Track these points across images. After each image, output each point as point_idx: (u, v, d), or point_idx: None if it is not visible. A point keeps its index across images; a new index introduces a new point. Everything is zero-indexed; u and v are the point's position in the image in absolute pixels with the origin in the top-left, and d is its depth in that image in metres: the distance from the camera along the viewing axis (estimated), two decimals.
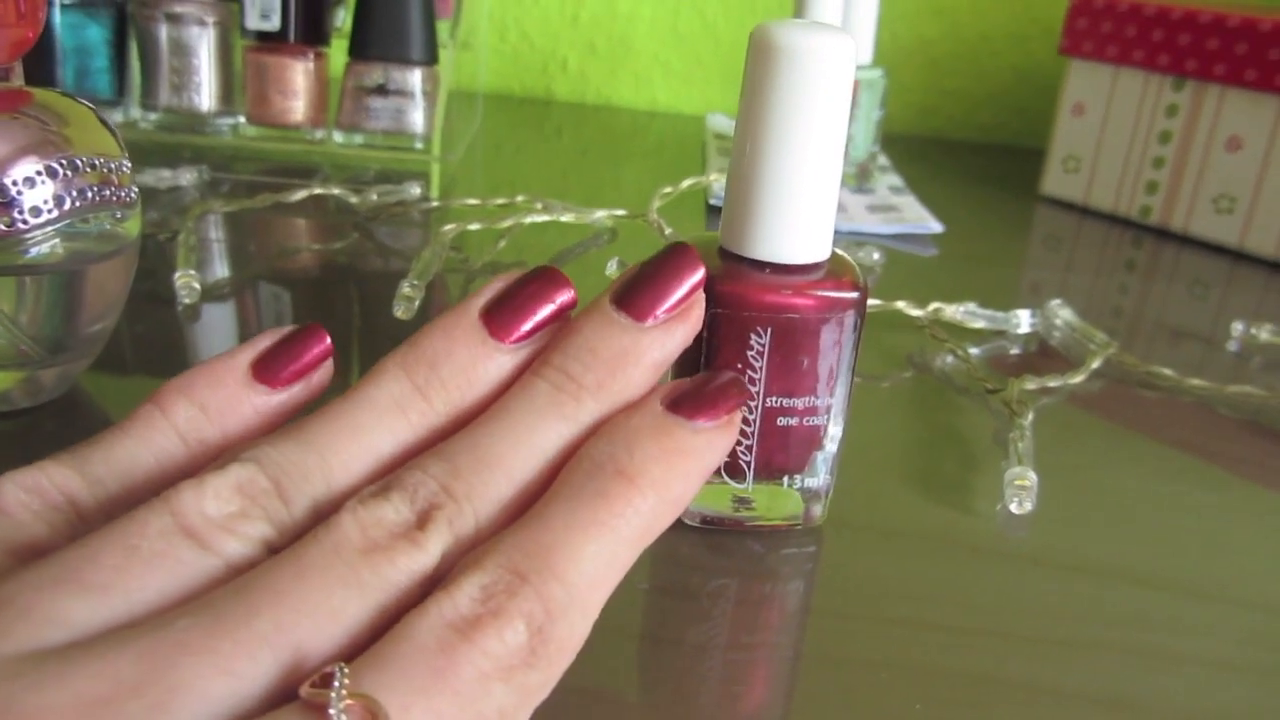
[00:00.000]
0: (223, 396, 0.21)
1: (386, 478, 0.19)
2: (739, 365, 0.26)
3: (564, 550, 0.19)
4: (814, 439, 0.27)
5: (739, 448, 0.27)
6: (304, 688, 0.16)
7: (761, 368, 0.26)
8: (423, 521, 0.19)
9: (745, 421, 0.27)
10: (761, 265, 0.26)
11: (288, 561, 0.18)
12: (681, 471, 0.20)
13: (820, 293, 0.26)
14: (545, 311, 0.22)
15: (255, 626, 0.16)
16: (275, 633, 0.16)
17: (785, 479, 0.28)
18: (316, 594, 0.17)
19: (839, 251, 0.27)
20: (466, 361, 0.21)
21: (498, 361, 0.21)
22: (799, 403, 0.27)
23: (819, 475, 0.28)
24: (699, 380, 0.22)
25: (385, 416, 0.21)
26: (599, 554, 0.19)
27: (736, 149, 0.26)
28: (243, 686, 0.16)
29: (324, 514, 0.19)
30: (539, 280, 0.22)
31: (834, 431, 0.28)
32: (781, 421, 0.27)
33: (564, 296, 0.22)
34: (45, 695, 0.15)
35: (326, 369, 0.22)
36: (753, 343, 0.26)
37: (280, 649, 0.16)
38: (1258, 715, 0.24)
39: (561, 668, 0.18)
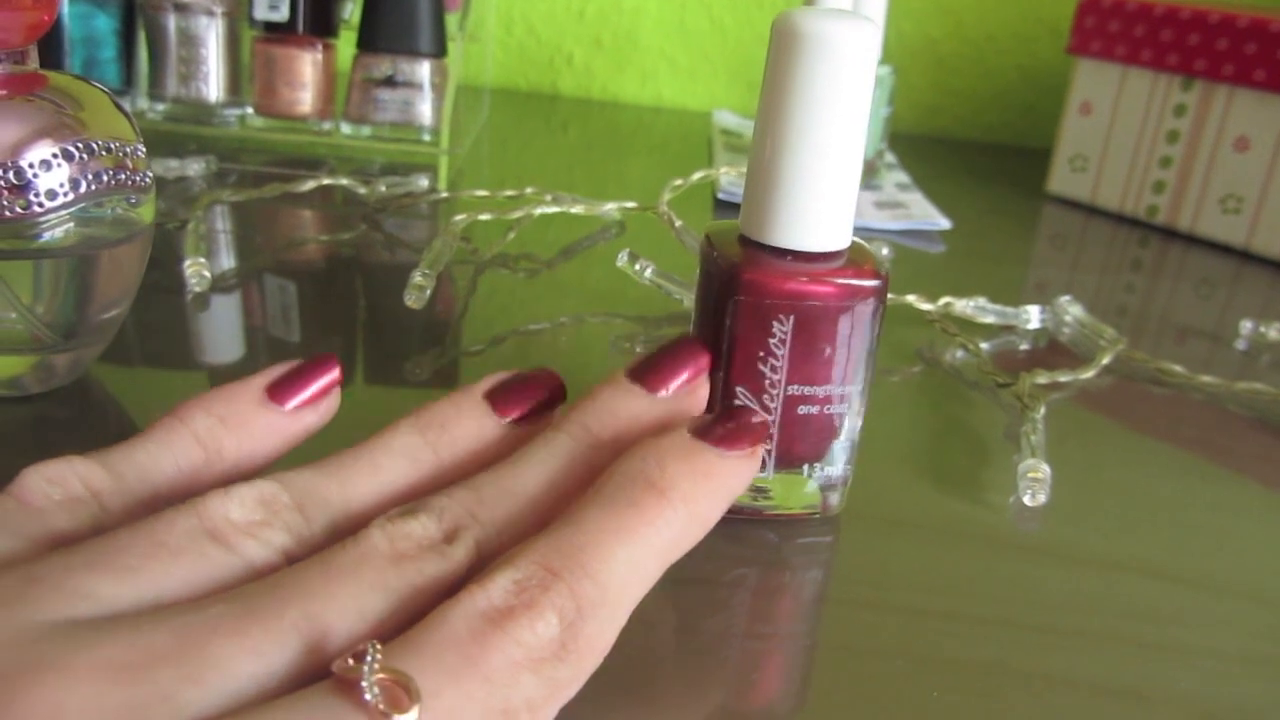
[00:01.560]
0: (238, 410, 0.23)
1: (412, 503, 0.20)
2: (761, 353, 0.26)
3: (596, 551, 0.19)
4: (833, 428, 0.27)
5: None
6: (336, 663, 0.16)
7: (783, 355, 0.26)
8: (449, 538, 0.20)
9: (766, 409, 0.27)
10: (783, 253, 0.26)
11: (316, 565, 0.18)
12: (709, 490, 0.21)
13: (842, 280, 0.26)
14: (540, 396, 0.24)
15: (286, 615, 0.17)
16: (304, 621, 0.17)
17: (805, 468, 0.28)
18: (345, 593, 0.18)
19: (858, 240, 0.27)
20: (474, 427, 0.23)
21: (500, 433, 0.23)
22: (819, 391, 0.27)
23: (838, 464, 0.28)
24: (724, 415, 0.23)
25: (399, 461, 0.22)
26: (630, 559, 0.19)
27: (758, 136, 0.26)
28: (270, 668, 0.16)
29: (342, 534, 0.20)
30: (535, 373, 0.25)
31: (853, 421, 0.28)
32: (802, 410, 0.27)
33: (556, 386, 0.25)
34: (78, 655, 0.15)
35: (335, 396, 0.24)
36: (775, 330, 0.26)
37: (308, 637, 0.17)
38: (1268, 709, 0.24)
39: (590, 666, 0.19)
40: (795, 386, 0.26)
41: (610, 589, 0.19)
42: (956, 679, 0.24)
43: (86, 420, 0.31)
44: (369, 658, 0.16)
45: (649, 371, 0.24)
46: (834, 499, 0.28)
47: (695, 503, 0.21)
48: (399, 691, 0.16)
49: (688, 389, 0.24)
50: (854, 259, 0.27)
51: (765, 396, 0.27)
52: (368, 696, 0.15)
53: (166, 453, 0.21)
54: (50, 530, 0.19)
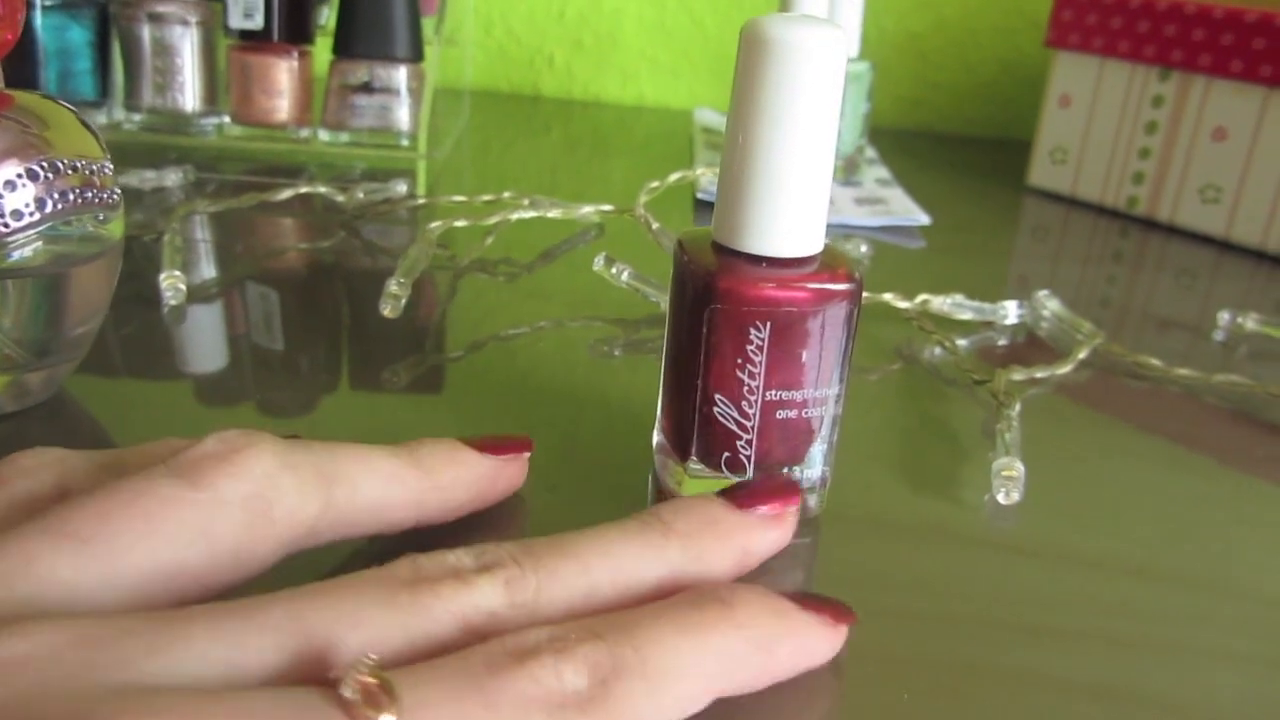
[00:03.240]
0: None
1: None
2: (739, 359, 0.26)
3: (649, 630, 0.18)
4: (811, 431, 0.27)
5: (739, 442, 0.27)
6: (330, 674, 0.16)
7: (761, 362, 0.26)
8: (479, 570, 0.19)
9: (745, 415, 0.27)
10: (758, 260, 0.26)
11: (327, 581, 0.18)
12: (779, 628, 0.21)
13: (816, 285, 0.26)
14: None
15: (269, 611, 0.17)
16: (287, 620, 0.17)
17: (784, 471, 0.28)
18: (341, 601, 0.17)
19: (830, 244, 0.28)
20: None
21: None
22: (797, 395, 0.27)
23: (816, 467, 0.28)
24: (814, 599, 0.22)
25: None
26: (680, 649, 0.18)
27: (729, 143, 0.26)
28: (243, 657, 0.16)
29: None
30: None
31: (831, 423, 0.28)
32: (781, 414, 0.27)
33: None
34: (45, 623, 0.16)
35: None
36: (752, 337, 0.26)
37: (290, 635, 0.16)
38: (1245, 703, 0.24)
39: None
40: (773, 392, 0.27)
41: (652, 664, 0.18)
42: (930, 678, 0.24)
43: (63, 437, 0.31)
44: (358, 663, 0.15)
45: (737, 491, 0.24)
46: (813, 501, 0.28)
47: (759, 629, 0.20)
48: (379, 694, 0.15)
49: (773, 516, 0.24)
50: (827, 262, 0.27)
51: (743, 403, 0.27)
52: (345, 692, 0.15)
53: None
54: (9, 500, 0.20)
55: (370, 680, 0.15)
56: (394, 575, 0.18)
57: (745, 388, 0.26)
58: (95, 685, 0.15)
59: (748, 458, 0.27)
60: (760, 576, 0.27)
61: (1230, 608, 0.27)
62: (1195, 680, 0.24)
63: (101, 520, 0.18)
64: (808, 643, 0.21)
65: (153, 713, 0.14)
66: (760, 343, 0.26)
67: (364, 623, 0.17)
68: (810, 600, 0.22)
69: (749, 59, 0.25)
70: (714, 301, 0.26)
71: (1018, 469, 0.31)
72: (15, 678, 0.15)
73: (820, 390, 0.27)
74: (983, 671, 0.24)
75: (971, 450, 0.34)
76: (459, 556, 0.19)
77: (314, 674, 0.16)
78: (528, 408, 0.35)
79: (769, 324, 0.26)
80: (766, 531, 0.24)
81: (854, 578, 0.27)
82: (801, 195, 0.26)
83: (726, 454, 0.27)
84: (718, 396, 0.27)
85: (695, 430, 0.27)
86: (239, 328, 0.40)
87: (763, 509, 0.24)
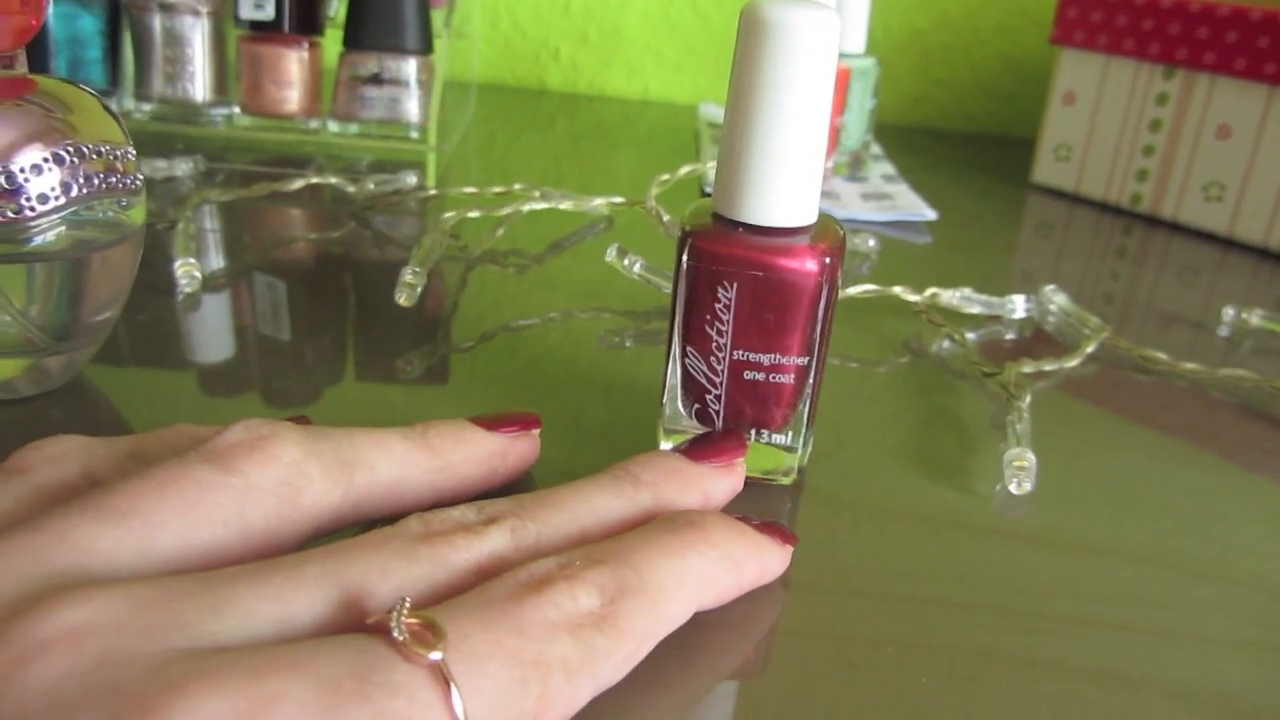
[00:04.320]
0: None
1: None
2: (708, 316, 0.28)
3: (642, 553, 0.21)
4: (780, 397, 0.29)
5: (708, 395, 0.29)
6: (369, 620, 0.17)
7: (728, 320, 0.28)
8: (485, 523, 0.21)
9: (714, 370, 0.28)
10: (737, 225, 0.28)
11: (346, 540, 0.19)
12: (744, 544, 0.23)
13: (785, 255, 0.27)
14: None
15: (305, 569, 0.18)
16: (324, 575, 0.18)
17: (752, 433, 0.29)
18: (368, 555, 0.18)
19: (836, 225, 0.28)
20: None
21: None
22: (764, 359, 0.28)
23: (786, 434, 0.29)
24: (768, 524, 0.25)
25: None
26: (670, 568, 0.21)
27: (725, 119, 0.28)
28: (290, 611, 0.17)
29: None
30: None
31: (804, 393, 0.29)
32: (748, 375, 0.28)
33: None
34: (100, 590, 0.16)
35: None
36: (719, 296, 0.27)
37: (329, 588, 0.17)
38: (1253, 691, 0.24)
39: (629, 650, 0.19)
40: (740, 352, 0.28)
41: (651, 582, 0.20)
42: (944, 664, 0.24)
43: (80, 422, 0.31)
44: (399, 607, 0.16)
45: (689, 446, 0.27)
46: (790, 467, 0.30)
47: (729, 549, 0.23)
48: (426, 633, 0.16)
49: (724, 466, 0.27)
50: (814, 238, 0.28)
51: (712, 359, 0.28)
52: (395, 634, 0.16)
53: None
54: (38, 486, 0.20)
55: (414, 621, 0.16)
56: (409, 531, 0.20)
57: (714, 344, 0.28)
58: (161, 649, 0.15)
59: (716, 413, 0.29)
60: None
61: (1238, 597, 0.28)
62: (1205, 668, 0.25)
63: (139, 497, 0.18)
64: (767, 560, 0.24)
65: (225, 671, 0.15)
66: (727, 302, 0.27)
67: (392, 573, 0.18)
68: (760, 523, 0.25)
69: (743, 37, 0.26)
70: (689, 258, 0.27)
71: (1029, 459, 0.31)
72: (84, 644, 0.15)
73: (789, 358, 0.28)
74: (996, 658, 0.24)
75: (981, 441, 0.35)
76: (463, 512, 0.21)
77: (354, 623, 0.17)
78: (537, 398, 0.35)
79: (735, 285, 0.27)
80: (721, 479, 0.27)
81: (868, 566, 0.27)
82: (786, 169, 0.27)
83: (697, 406, 0.29)
84: (689, 349, 0.28)
85: (672, 380, 0.29)
86: (252, 316, 0.40)
87: (715, 461, 0.27)
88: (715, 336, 0.28)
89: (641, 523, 0.23)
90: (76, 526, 0.18)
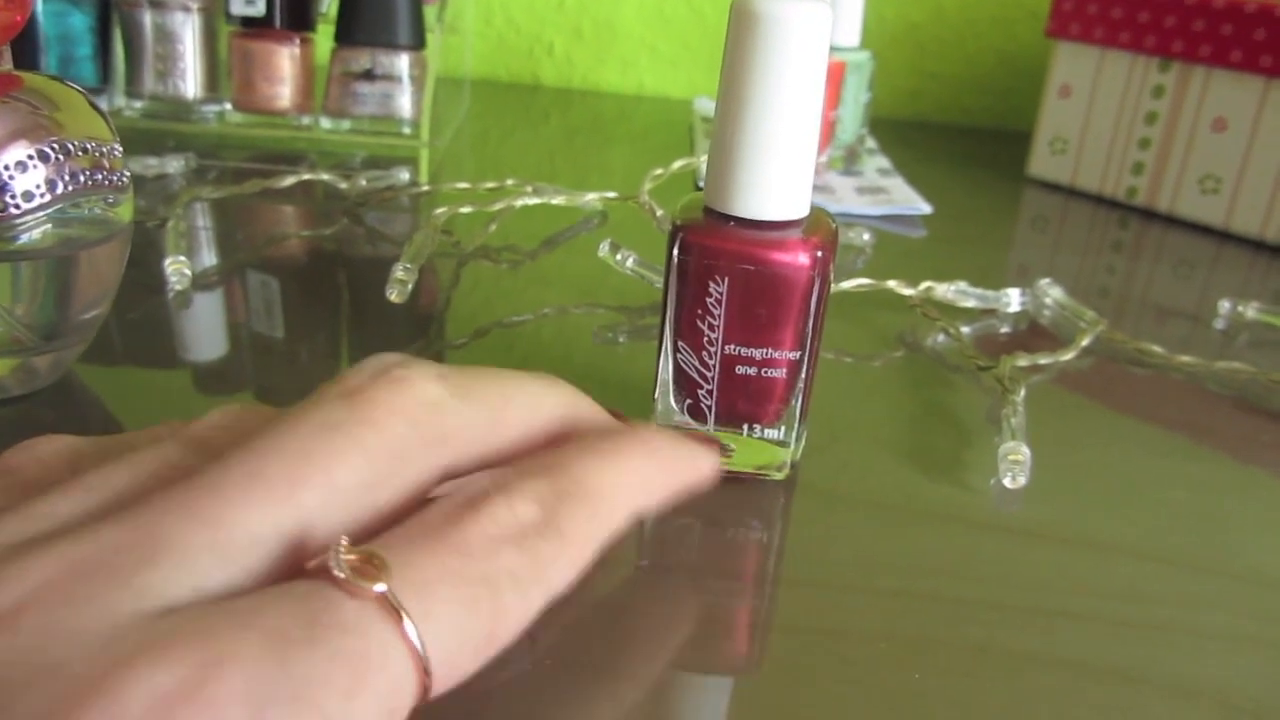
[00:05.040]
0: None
1: None
2: (699, 311, 0.28)
3: (577, 460, 0.20)
4: (772, 392, 0.28)
5: (700, 390, 0.29)
6: (309, 564, 0.16)
7: (720, 314, 0.27)
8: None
9: (705, 365, 0.28)
10: (728, 219, 0.27)
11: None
12: (680, 454, 0.23)
13: (776, 249, 0.27)
14: None
15: (246, 515, 0.17)
16: (265, 521, 0.17)
17: (745, 428, 0.29)
18: (314, 451, 0.18)
19: (829, 218, 0.28)
20: None
21: None
22: (756, 353, 0.28)
23: (779, 429, 0.29)
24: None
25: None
26: (605, 471, 0.20)
27: (716, 113, 0.28)
28: (229, 538, 0.16)
29: None
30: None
31: (796, 388, 0.28)
32: (740, 370, 0.28)
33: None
34: (32, 559, 0.16)
35: None
36: (711, 290, 0.27)
37: (270, 533, 0.17)
38: (1250, 684, 0.24)
39: (575, 555, 0.19)
40: (732, 346, 0.28)
41: (587, 486, 0.20)
42: (939, 659, 0.24)
43: (69, 421, 0.31)
44: (335, 546, 0.16)
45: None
46: (782, 462, 0.30)
47: (664, 452, 0.22)
48: (368, 566, 0.16)
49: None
50: (806, 232, 0.27)
51: (704, 354, 0.28)
52: (337, 573, 0.16)
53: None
54: (26, 487, 0.19)
55: (353, 557, 0.16)
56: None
57: (705, 339, 0.28)
58: (108, 616, 0.15)
59: (709, 408, 0.29)
60: (768, 557, 0.27)
61: (1235, 591, 0.27)
62: (1203, 662, 0.25)
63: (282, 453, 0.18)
64: (698, 459, 0.24)
65: (169, 639, 0.14)
66: (719, 296, 0.27)
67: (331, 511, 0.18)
68: (684, 434, 0.25)
69: (734, 30, 0.26)
70: (680, 252, 0.27)
71: (1024, 453, 0.31)
72: (22, 620, 0.15)
73: (780, 353, 0.28)
74: (991, 653, 0.24)
75: (976, 435, 0.34)
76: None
77: (296, 566, 0.17)
78: None
79: (726, 279, 0.27)
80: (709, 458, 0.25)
81: (862, 561, 0.27)
82: (777, 163, 0.27)
83: (689, 401, 0.29)
84: (681, 344, 0.28)
85: (664, 375, 0.29)
86: (244, 314, 0.40)
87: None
88: (707, 331, 0.28)
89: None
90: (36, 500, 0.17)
